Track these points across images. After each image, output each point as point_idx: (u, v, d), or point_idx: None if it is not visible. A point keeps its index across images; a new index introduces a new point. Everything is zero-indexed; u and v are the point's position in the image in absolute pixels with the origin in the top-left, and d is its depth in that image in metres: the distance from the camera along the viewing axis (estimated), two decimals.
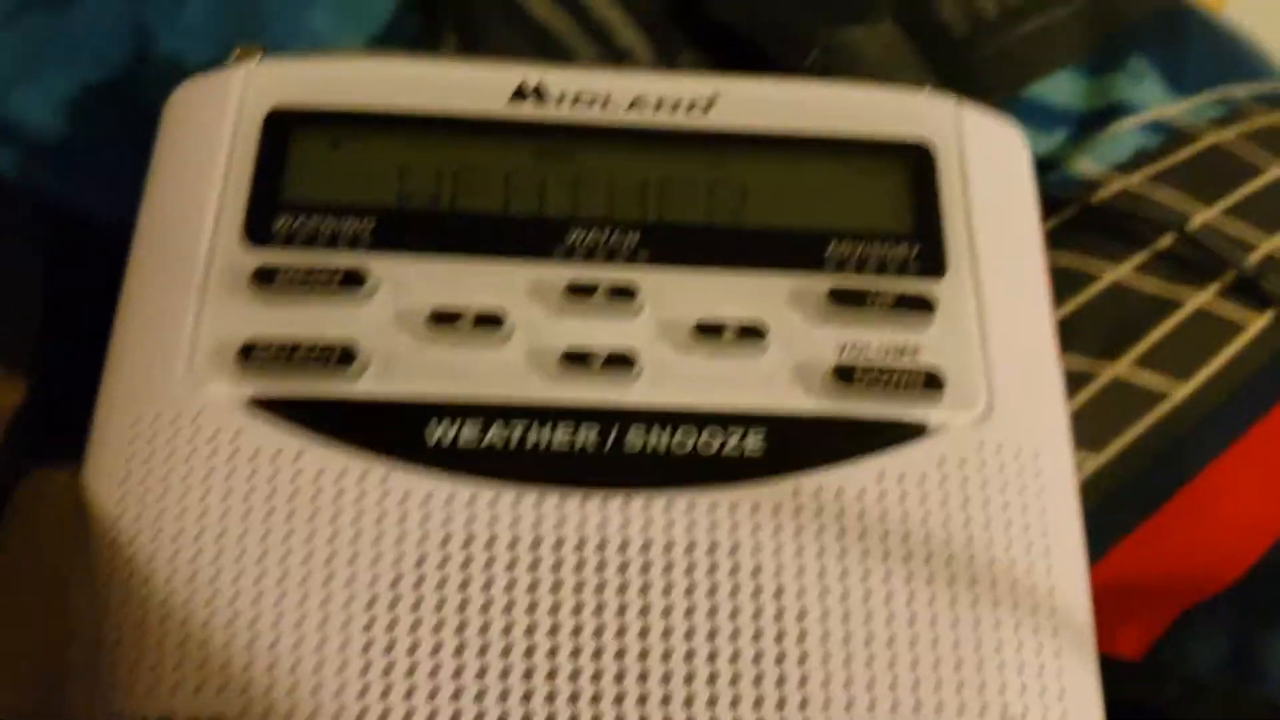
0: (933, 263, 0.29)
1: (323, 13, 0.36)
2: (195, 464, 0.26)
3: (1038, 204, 0.31)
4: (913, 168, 0.30)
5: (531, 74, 0.31)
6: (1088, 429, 0.34)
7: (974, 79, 0.32)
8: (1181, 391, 0.35)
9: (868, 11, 0.40)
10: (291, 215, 0.28)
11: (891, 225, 0.30)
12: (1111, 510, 0.33)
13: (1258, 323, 0.36)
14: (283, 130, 0.29)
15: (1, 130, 0.34)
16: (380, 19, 0.36)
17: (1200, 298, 0.36)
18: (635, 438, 0.26)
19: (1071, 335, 0.35)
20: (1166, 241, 0.37)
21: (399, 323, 0.27)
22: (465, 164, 0.29)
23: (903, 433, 0.27)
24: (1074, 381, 0.34)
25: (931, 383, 0.27)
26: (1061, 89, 0.40)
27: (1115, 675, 0.28)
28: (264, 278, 0.27)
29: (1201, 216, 0.37)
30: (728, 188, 0.30)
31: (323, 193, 0.29)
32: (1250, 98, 0.41)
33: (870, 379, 0.27)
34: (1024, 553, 0.26)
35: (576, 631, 0.25)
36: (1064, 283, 0.36)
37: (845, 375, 0.27)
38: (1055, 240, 0.36)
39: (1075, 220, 0.37)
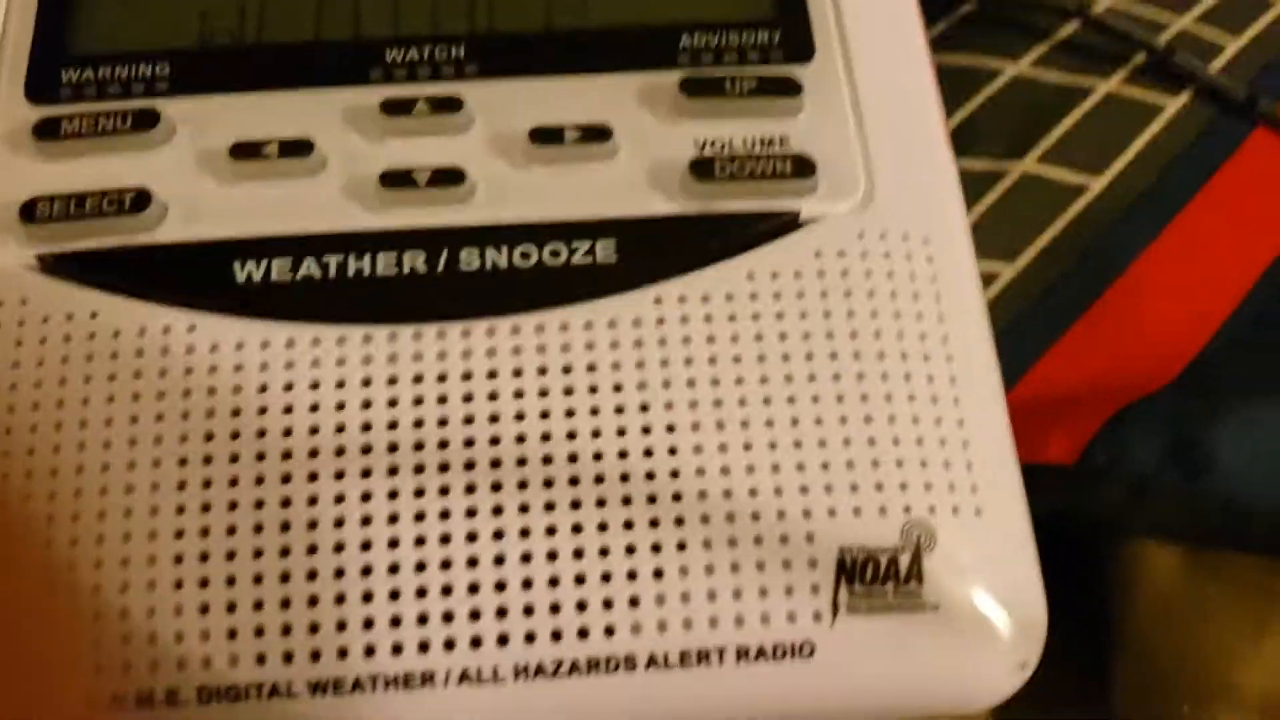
0: (797, 47, 0.26)
1: None
2: None
3: None
4: None
5: None
6: (1000, 235, 0.31)
7: None
8: (1099, 183, 0.32)
9: None
10: (78, 68, 0.25)
11: (749, 12, 0.27)
12: (1033, 320, 0.31)
13: (1174, 104, 0.33)
14: None
15: None
16: None
17: (1109, 84, 0.33)
18: (469, 257, 0.24)
19: (974, 136, 0.32)
20: (1067, 30, 0.34)
21: (199, 164, 0.24)
22: None
23: (772, 226, 0.24)
24: (980, 183, 0.31)
25: (802, 170, 0.24)
26: None
27: (1044, 482, 0.25)
28: (47, 130, 0.24)
29: (1104, 1, 0.35)
30: None
31: (113, 42, 0.26)
32: None
33: (732, 172, 0.24)
34: (917, 343, 0.24)
35: (419, 470, 0.22)
36: (961, 83, 0.33)
37: (704, 170, 0.24)
38: (948, 42, 0.34)
39: (967, 18, 0.34)
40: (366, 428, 0.22)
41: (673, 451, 0.22)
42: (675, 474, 0.22)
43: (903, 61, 0.27)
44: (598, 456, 0.22)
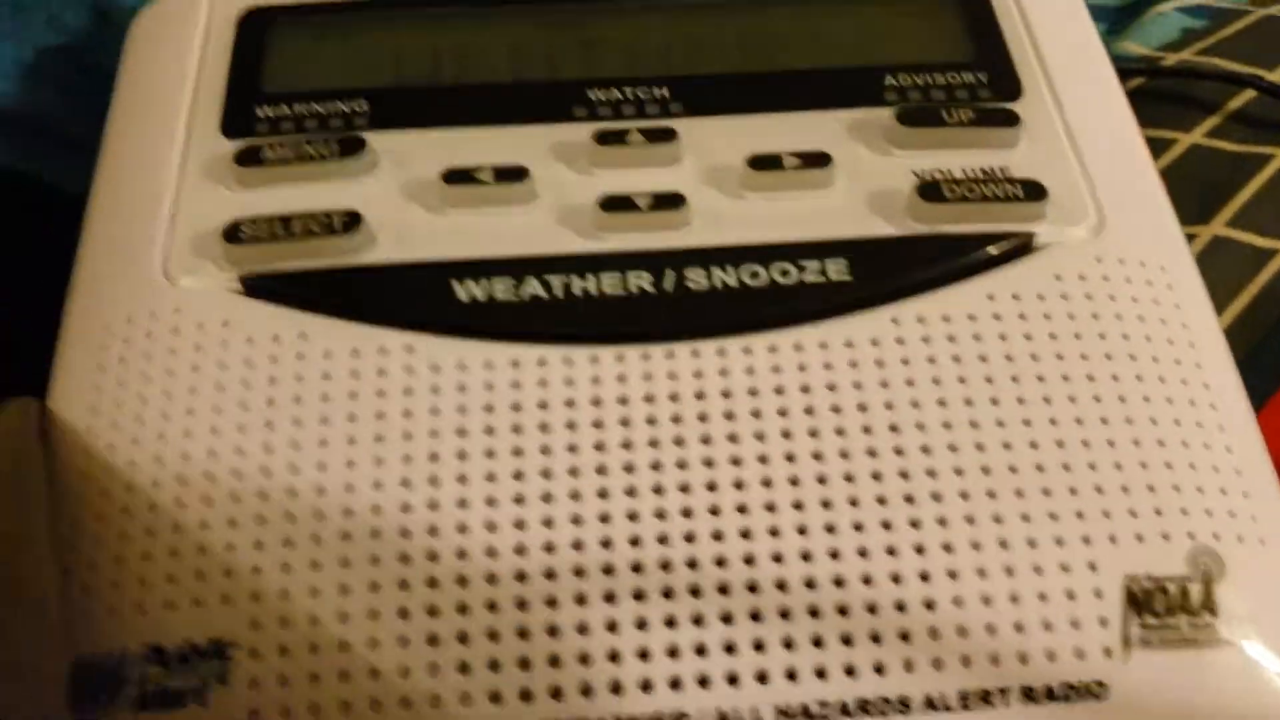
0: (1005, 85, 0.26)
1: None
2: (177, 364, 0.21)
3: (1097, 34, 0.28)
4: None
5: None
6: None
7: None
8: None
9: None
10: (273, 105, 0.25)
11: (949, 54, 0.26)
12: None
13: None
14: (259, 28, 0.26)
15: None
16: None
17: None
18: (696, 277, 0.22)
19: None
20: (1238, 101, 0.33)
21: (407, 193, 0.23)
22: (464, 41, 0.26)
23: (1007, 249, 0.23)
24: None
25: (1033, 193, 0.23)
26: None
27: None
28: (249, 158, 0.24)
29: (1273, 75, 0.34)
30: (761, 37, 0.27)
31: (307, 82, 0.25)
32: None
33: (962, 194, 0.23)
34: (1174, 368, 0.22)
35: (659, 491, 0.20)
36: None
37: (932, 192, 0.23)
38: None
39: (1135, 93, 0.34)
40: (599, 447, 0.20)
41: (931, 474, 0.20)
42: (937, 497, 0.20)
43: (1108, 97, 0.26)
44: (849, 478, 0.20)
